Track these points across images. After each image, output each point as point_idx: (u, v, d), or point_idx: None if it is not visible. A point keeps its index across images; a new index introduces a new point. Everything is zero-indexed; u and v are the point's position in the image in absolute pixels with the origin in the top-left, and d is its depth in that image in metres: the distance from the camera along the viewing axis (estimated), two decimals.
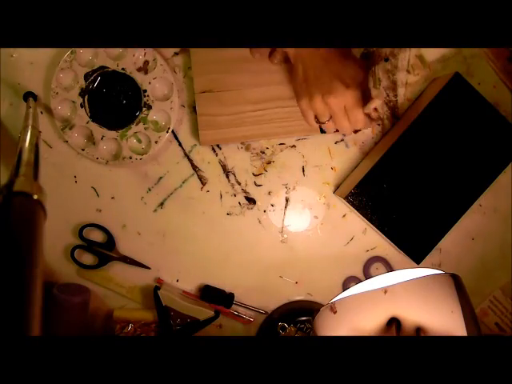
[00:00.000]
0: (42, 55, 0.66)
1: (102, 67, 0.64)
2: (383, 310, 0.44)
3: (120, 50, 0.65)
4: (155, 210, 0.69)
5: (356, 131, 0.65)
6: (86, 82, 0.64)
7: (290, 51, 0.53)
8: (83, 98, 0.65)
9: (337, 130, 0.59)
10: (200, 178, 0.69)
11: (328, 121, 0.57)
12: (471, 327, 0.44)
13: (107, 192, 0.69)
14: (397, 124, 0.68)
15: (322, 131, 0.61)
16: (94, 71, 0.64)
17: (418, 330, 0.43)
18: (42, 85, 0.66)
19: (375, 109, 0.57)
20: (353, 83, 0.52)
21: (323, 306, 0.47)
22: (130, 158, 0.66)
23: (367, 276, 0.70)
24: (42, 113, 0.67)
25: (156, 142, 0.65)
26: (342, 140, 0.69)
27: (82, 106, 0.65)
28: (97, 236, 0.70)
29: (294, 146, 0.69)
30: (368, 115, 0.57)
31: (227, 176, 0.69)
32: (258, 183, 0.69)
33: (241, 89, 0.64)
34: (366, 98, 0.56)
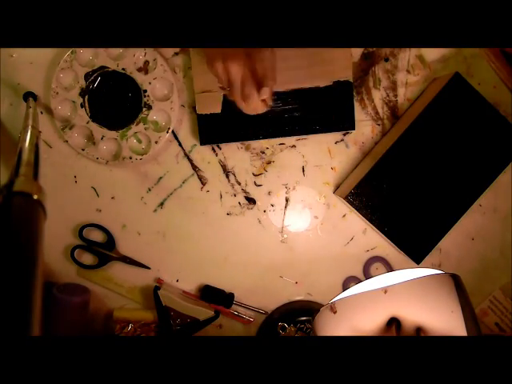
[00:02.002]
0: (42, 55, 0.66)
1: (103, 67, 0.64)
2: (383, 310, 0.44)
3: (120, 50, 0.65)
4: (155, 210, 0.69)
5: (252, 112, 0.58)
6: (86, 81, 0.64)
7: None
8: (83, 97, 0.65)
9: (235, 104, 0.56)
10: (200, 178, 0.69)
11: (228, 89, 0.55)
12: (471, 327, 0.44)
13: (107, 192, 0.69)
14: (397, 124, 0.68)
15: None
16: (94, 71, 0.64)
17: (418, 330, 0.43)
18: (42, 85, 0.66)
19: (270, 96, 0.55)
20: (255, 55, 0.51)
21: (323, 306, 0.47)
22: (130, 158, 0.66)
23: (367, 276, 0.70)
24: (41, 113, 0.67)
25: (156, 142, 0.65)
26: (342, 140, 0.69)
27: (82, 105, 0.65)
28: (97, 236, 0.70)
29: (293, 145, 0.69)
30: (263, 101, 0.55)
31: (227, 176, 0.69)
32: (258, 183, 0.69)
33: None
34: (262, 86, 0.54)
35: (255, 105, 0.55)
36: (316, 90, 0.64)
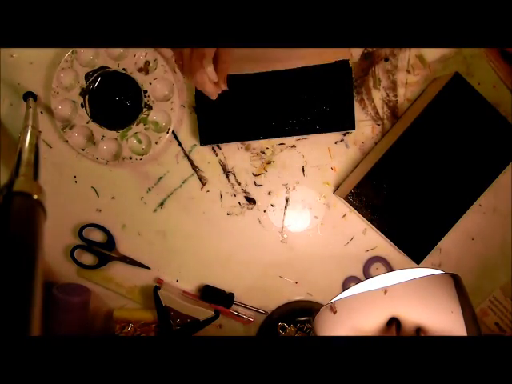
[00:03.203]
0: (42, 55, 0.66)
1: (103, 67, 0.64)
2: (383, 310, 0.44)
3: (121, 50, 0.65)
4: (155, 210, 0.69)
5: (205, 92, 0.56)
6: (86, 81, 0.64)
7: None
8: (84, 97, 0.65)
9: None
10: (200, 178, 0.69)
11: (181, 63, 0.53)
12: (471, 327, 0.44)
13: (107, 192, 0.69)
14: (397, 124, 0.68)
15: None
16: (94, 71, 0.64)
17: (418, 330, 0.43)
18: (42, 85, 0.66)
19: (221, 79, 0.54)
20: None
21: (323, 306, 0.47)
22: (130, 158, 0.66)
23: (367, 276, 0.70)
24: (41, 113, 0.67)
25: (156, 143, 0.65)
26: (342, 140, 0.69)
27: (82, 105, 0.65)
28: (97, 236, 0.70)
29: (293, 145, 0.69)
30: (215, 84, 0.53)
31: (227, 176, 0.69)
32: (258, 183, 0.69)
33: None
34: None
35: (202, 82, 0.52)
36: (316, 89, 0.64)
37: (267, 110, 0.65)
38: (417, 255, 0.64)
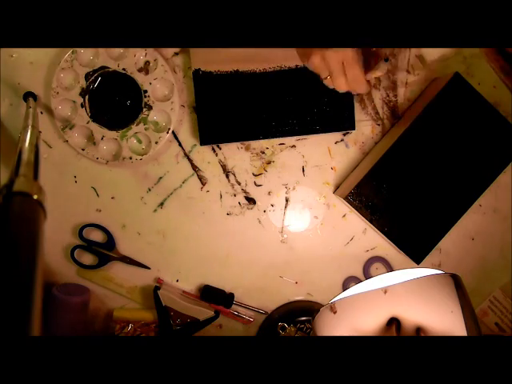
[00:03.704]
0: (42, 55, 0.66)
1: (103, 67, 0.64)
2: (383, 310, 0.44)
3: (121, 50, 0.65)
4: (155, 210, 0.69)
5: (352, 93, 0.62)
6: (86, 81, 0.64)
7: None
8: (84, 97, 0.65)
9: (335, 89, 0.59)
10: (200, 178, 0.69)
11: (327, 78, 0.58)
12: (471, 327, 0.44)
13: (107, 192, 0.69)
14: (397, 124, 0.68)
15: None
16: (94, 71, 0.64)
17: (418, 330, 0.43)
18: (42, 85, 0.66)
19: (375, 78, 0.59)
20: None
21: (323, 306, 0.47)
22: (130, 158, 0.66)
23: (367, 276, 0.70)
24: (41, 113, 0.67)
25: (156, 143, 0.65)
26: (342, 140, 0.69)
27: (82, 105, 0.65)
28: (97, 236, 0.70)
29: (293, 146, 0.69)
30: (368, 81, 0.58)
31: (227, 176, 0.69)
32: (258, 183, 0.69)
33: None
34: (369, 67, 0.58)
35: (360, 85, 0.57)
36: (316, 89, 0.64)
37: (267, 110, 0.65)
38: (417, 255, 0.64)
